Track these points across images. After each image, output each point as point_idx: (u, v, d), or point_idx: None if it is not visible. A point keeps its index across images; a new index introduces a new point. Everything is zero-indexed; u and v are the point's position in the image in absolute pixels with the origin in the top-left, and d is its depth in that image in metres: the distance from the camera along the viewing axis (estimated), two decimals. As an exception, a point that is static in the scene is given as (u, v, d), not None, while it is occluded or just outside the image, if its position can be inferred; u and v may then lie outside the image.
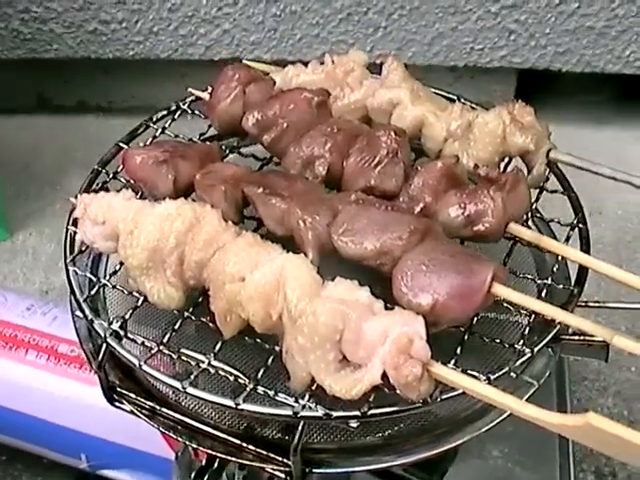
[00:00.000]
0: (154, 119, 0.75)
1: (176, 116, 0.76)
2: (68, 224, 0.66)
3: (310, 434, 0.58)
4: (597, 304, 0.66)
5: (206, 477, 0.59)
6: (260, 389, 0.54)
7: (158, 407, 0.59)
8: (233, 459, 0.57)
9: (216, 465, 0.59)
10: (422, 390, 0.51)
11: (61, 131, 1.50)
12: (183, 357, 0.56)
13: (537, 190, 0.69)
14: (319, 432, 0.59)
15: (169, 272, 0.57)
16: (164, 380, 0.55)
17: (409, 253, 0.56)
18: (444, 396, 0.53)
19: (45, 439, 0.91)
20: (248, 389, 0.54)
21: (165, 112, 0.76)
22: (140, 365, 0.55)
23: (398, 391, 0.51)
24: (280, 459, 0.56)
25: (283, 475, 0.56)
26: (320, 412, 0.52)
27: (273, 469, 0.57)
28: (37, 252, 1.28)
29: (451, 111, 0.69)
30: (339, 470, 0.57)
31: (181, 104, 0.77)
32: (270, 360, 0.55)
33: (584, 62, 1.39)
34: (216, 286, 0.56)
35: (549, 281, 0.62)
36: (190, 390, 0.54)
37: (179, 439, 0.58)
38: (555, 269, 0.63)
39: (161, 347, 0.56)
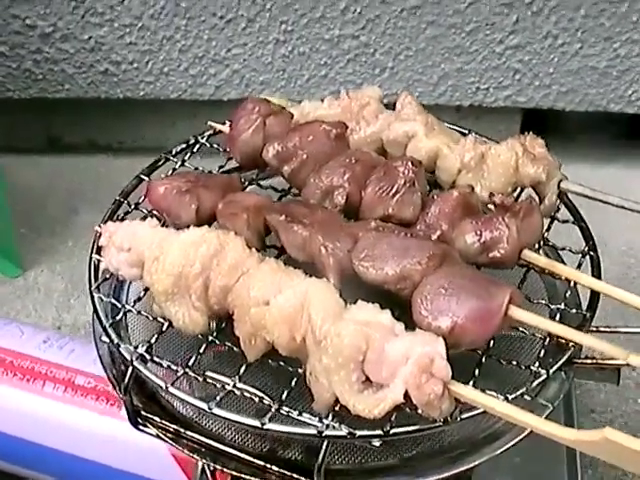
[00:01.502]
0: (173, 152, 0.77)
1: (195, 149, 0.78)
2: (92, 253, 0.67)
3: (332, 456, 0.59)
4: (608, 329, 0.67)
5: (231, 498, 0.60)
6: (284, 409, 0.55)
7: (182, 430, 0.61)
8: (257, 480, 0.59)
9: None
10: (443, 408, 0.53)
11: (71, 171, 1.52)
12: (209, 380, 0.57)
13: (548, 220, 0.71)
14: (340, 454, 0.60)
15: (194, 297, 0.59)
16: (191, 402, 0.56)
17: (428, 277, 0.58)
18: (464, 415, 0.55)
19: (61, 471, 0.91)
20: (273, 409, 0.55)
21: (184, 145, 0.78)
22: (167, 387, 0.56)
23: (420, 410, 0.53)
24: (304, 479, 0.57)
25: (307, 497, 0.58)
26: (344, 431, 0.54)
27: (298, 490, 0.58)
28: (49, 289, 1.29)
29: (464, 144, 0.71)
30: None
31: (199, 138, 0.79)
32: (294, 382, 0.57)
33: (587, 101, 1.42)
34: (241, 310, 0.58)
35: (562, 306, 0.63)
36: (216, 411, 0.55)
37: (203, 461, 0.60)
38: (567, 295, 0.65)
39: (187, 370, 0.58)
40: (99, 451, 0.90)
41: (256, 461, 0.59)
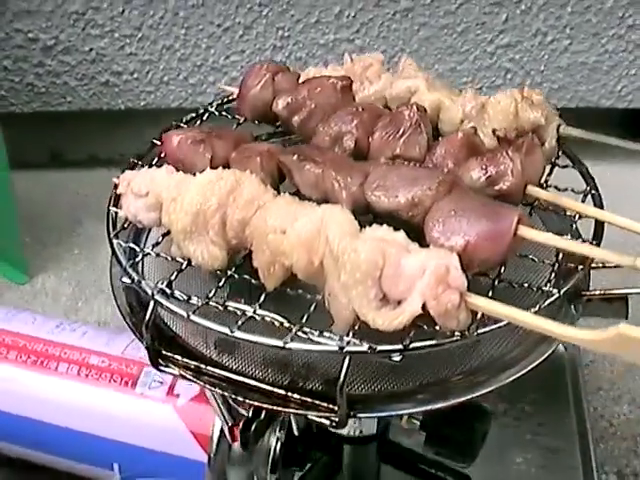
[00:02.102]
0: (184, 120, 0.79)
1: (205, 118, 0.80)
2: (109, 205, 0.69)
3: (352, 382, 0.61)
4: (613, 265, 0.69)
5: (253, 427, 0.60)
6: (306, 330, 0.56)
7: (204, 366, 0.62)
8: (279, 408, 0.60)
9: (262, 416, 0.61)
10: (461, 319, 0.54)
11: (74, 184, 1.54)
12: (229, 308, 0.58)
13: (549, 166, 0.73)
14: (360, 380, 0.61)
15: (212, 232, 0.60)
16: (213, 327, 0.57)
17: (439, 202, 0.59)
18: (480, 330, 0.56)
19: (76, 451, 0.92)
20: (294, 330, 0.56)
21: (194, 114, 0.80)
22: (189, 315, 0.58)
23: (438, 322, 0.54)
24: (325, 405, 0.58)
25: (328, 422, 0.59)
26: (365, 346, 0.55)
27: (318, 416, 0.59)
28: (56, 294, 1.31)
29: (465, 95, 0.74)
30: (383, 414, 0.60)
31: (209, 107, 0.81)
32: (312, 308, 0.58)
33: (578, 97, 1.46)
34: (259, 240, 0.59)
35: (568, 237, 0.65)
36: (238, 334, 0.56)
37: (226, 393, 0.61)
38: (572, 230, 0.67)
39: (207, 300, 0.59)
40: (115, 429, 0.90)
41: (277, 390, 0.60)
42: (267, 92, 0.72)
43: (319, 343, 0.56)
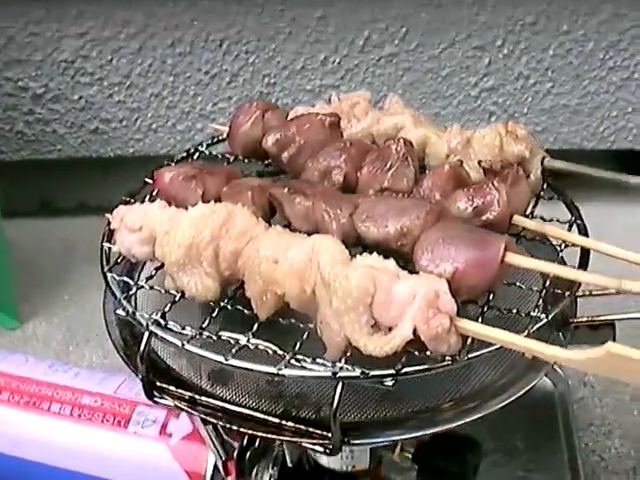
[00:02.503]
0: (175, 160, 0.81)
1: (195, 157, 0.82)
2: (103, 241, 0.70)
3: (345, 411, 0.61)
4: (601, 291, 0.70)
5: (247, 456, 0.61)
6: (299, 357, 0.57)
7: (198, 396, 0.62)
8: (273, 436, 0.60)
9: (257, 445, 0.62)
10: (451, 343, 0.55)
11: (63, 232, 1.55)
12: (223, 338, 0.59)
13: (534, 199, 0.75)
14: (353, 408, 0.62)
15: (205, 264, 0.62)
16: (207, 356, 0.58)
17: (427, 232, 0.61)
18: (471, 355, 0.57)
19: (69, 491, 0.92)
20: (287, 358, 0.57)
21: (185, 154, 0.82)
22: (183, 345, 0.59)
23: (429, 346, 0.55)
24: (319, 432, 0.59)
25: (322, 449, 0.59)
26: (357, 372, 0.56)
27: (312, 443, 0.59)
28: (47, 339, 1.31)
29: (450, 131, 0.76)
30: (377, 440, 0.60)
31: (199, 147, 0.83)
32: (305, 336, 0.59)
33: (561, 139, 1.48)
34: (251, 270, 0.60)
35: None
36: (232, 361, 0.57)
37: (220, 423, 0.61)
38: (558, 259, 0.68)
39: (200, 331, 0.60)
40: (109, 468, 0.90)
41: (271, 419, 0.60)
42: (257, 129, 0.74)
43: (312, 369, 0.57)
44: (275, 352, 0.58)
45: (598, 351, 0.51)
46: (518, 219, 0.67)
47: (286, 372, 0.56)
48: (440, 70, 1.42)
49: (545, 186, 0.76)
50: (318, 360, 0.57)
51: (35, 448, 0.92)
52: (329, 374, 0.56)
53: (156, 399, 0.64)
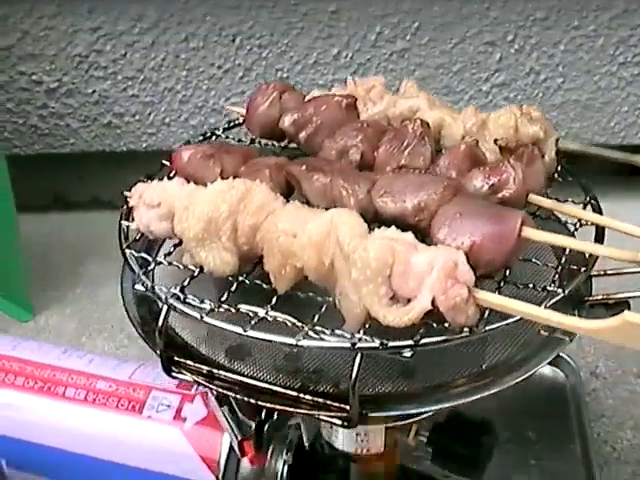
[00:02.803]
0: (191, 142, 0.81)
1: (212, 140, 0.82)
2: (121, 220, 0.70)
3: (362, 385, 0.61)
4: (614, 271, 0.70)
5: (266, 428, 0.61)
6: (317, 329, 0.57)
7: (216, 370, 0.63)
8: (291, 409, 0.60)
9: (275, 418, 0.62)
10: (470, 313, 0.55)
11: (76, 227, 1.56)
12: (242, 310, 0.60)
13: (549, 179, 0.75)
14: (371, 382, 0.62)
15: (224, 238, 0.62)
16: (226, 327, 0.58)
17: (444, 206, 0.61)
18: (489, 327, 0.57)
19: (84, 476, 0.92)
20: (306, 329, 0.57)
21: (201, 137, 0.82)
22: (202, 317, 0.59)
23: (447, 317, 0.55)
24: (337, 404, 0.59)
25: (340, 422, 0.59)
26: (376, 342, 0.56)
27: (330, 416, 0.60)
28: (60, 331, 1.31)
29: (466, 112, 0.76)
30: (394, 413, 0.61)
31: (216, 131, 0.83)
32: (324, 309, 0.59)
33: (572, 135, 1.49)
34: (269, 244, 0.61)
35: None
36: (251, 333, 0.57)
37: (238, 396, 0.62)
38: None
39: (219, 304, 0.60)
40: (123, 452, 0.90)
41: (289, 392, 0.61)
42: (274, 109, 0.74)
43: (331, 341, 0.57)
44: (294, 324, 0.58)
45: (614, 320, 0.52)
46: (534, 198, 0.67)
47: (304, 343, 0.57)
48: (452, 65, 1.43)
49: (559, 168, 0.76)
50: (337, 332, 0.57)
51: (50, 433, 0.92)
52: (348, 345, 0.56)
53: (174, 374, 0.64)
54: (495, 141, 0.68)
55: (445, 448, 0.81)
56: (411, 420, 0.73)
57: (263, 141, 0.81)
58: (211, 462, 0.88)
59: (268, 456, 0.81)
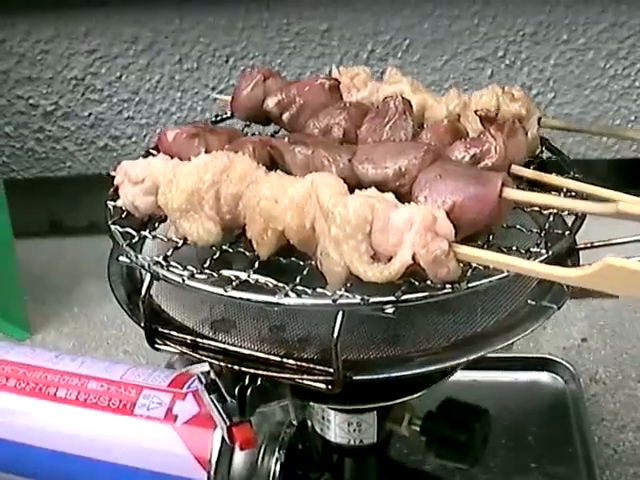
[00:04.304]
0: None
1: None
2: (107, 201, 0.71)
3: (347, 351, 0.61)
4: (603, 242, 0.70)
5: (249, 392, 0.61)
6: (299, 288, 0.57)
7: (200, 339, 0.63)
8: (275, 374, 0.60)
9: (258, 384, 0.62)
10: (451, 267, 0.55)
11: (73, 251, 1.56)
12: (224, 275, 0.60)
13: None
14: (355, 349, 0.62)
15: (207, 208, 0.62)
16: (207, 289, 0.58)
17: (425, 170, 0.62)
18: (472, 284, 0.57)
19: (74, 476, 0.91)
20: (288, 288, 0.57)
21: (188, 130, 0.83)
22: (184, 280, 0.59)
23: (428, 272, 0.55)
24: (321, 367, 0.59)
25: (324, 386, 0.59)
26: (357, 299, 0.56)
27: (314, 380, 0.59)
28: (57, 348, 1.31)
29: (448, 95, 0.77)
30: (379, 376, 0.60)
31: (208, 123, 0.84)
32: (305, 272, 0.59)
33: (565, 149, 1.48)
34: (252, 211, 0.61)
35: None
36: (232, 293, 0.57)
37: (222, 363, 0.61)
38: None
39: (202, 270, 0.60)
40: (114, 451, 0.89)
41: (272, 357, 0.60)
42: (259, 91, 0.75)
43: (312, 298, 0.57)
44: (275, 286, 0.58)
45: (596, 265, 0.51)
46: (516, 168, 0.68)
47: (285, 301, 0.57)
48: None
49: (543, 149, 0.77)
50: (318, 290, 0.57)
51: (41, 435, 0.91)
52: (329, 302, 0.56)
53: (158, 346, 0.64)
54: (475, 111, 0.69)
55: (439, 436, 0.81)
56: (401, 399, 0.72)
57: (250, 132, 0.82)
58: (203, 459, 0.87)
59: (260, 455, 0.80)
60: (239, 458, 0.84)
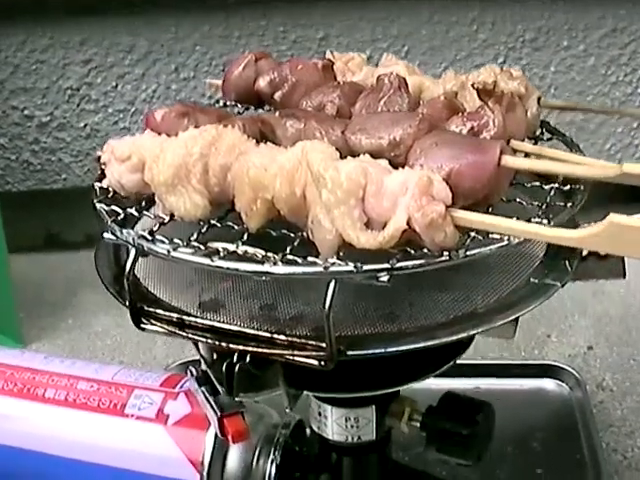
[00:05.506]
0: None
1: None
2: (94, 182, 0.69)
3: (340, 327, 0.58)
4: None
5: (237, 368, 0.58)
6: (289, 258, 0.55)
7: (186, 317, 0.60)
8: (265, 350, 0.57)
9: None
10: (448, 232, 0.53)
11: (70, 264, 1.54)
12: (211, 246, 0.57)
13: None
14: (349, 326, 0.59)
15: (194, 181, 0.60)
16: (194, 260, 0.56)
17: (420, 139, 0.59)
18: (469, 252, 0.55)
19: (63, 479, 0.88)
20: (278, 258, 0.55)
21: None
22: (169, 252, 0.57)
23: (424, 237, 0.53)
24: (313, 343, 0.56)
25: (316, 362, 0.56)
26: (350, 266, 0.53)
27: (306, 356, 0.56)
28: (49, 358, 1.28)
29: (445, 76, 0.75)
30: (373, 351, 0.57)
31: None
32: (296, 243, 0.57)
33: (566, 158, 1.47)
34: (240, 182, 0.59)
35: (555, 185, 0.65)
36: (219, 262, 0.55)
37: (209, 341, 0.59)
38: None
39: (189, 242, 0.58)
40: (105, 453, 0.86)
41: (263, 334, 0.58)
42: (250, 71, 0.74)
43: (303, 267, 0.54)
44: (264, 256, 0.55)
45: (601, 224, 0.49)
46: (516, 143, 0.65)
47: (275, 270, 0.54)
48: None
49: (543, 131, 0.75)
50: (309, 259, 0.54)
51: (29, 436, 0.88)
52: (321, 270, 0.53)
53: (144, 326, 0.61)
54: (472, 85, 0.67)
55: (440, 430, 0.77)
56: (400, 386, 0.69)
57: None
58: (195, 460, 0.84)
59: (255, 456, 0.77)
60: (233, 459, 0.81)
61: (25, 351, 0.96)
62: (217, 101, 0.83)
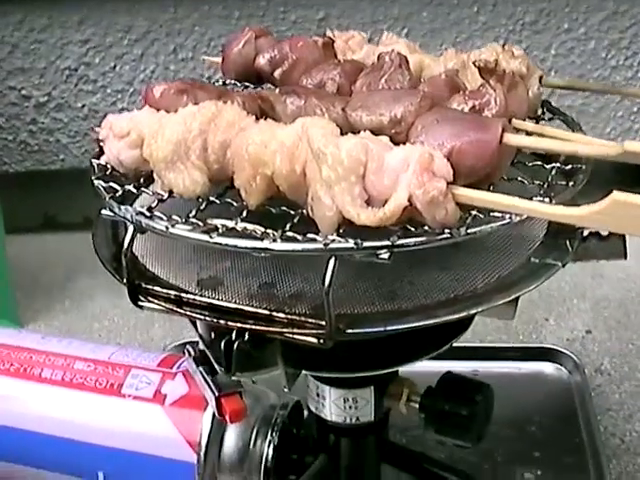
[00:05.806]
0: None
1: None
2: (91, 159, 0.68)
3: (339, 306, 0.58)
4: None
5: (235, 346, 0.57)
6: (289, 234, 0.54)
7: (185, 294, 0.60)
8: (264, 328, 0.57)
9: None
10: (449, 209, 0.52)
11: (68, 246, 1.53)
12: (210, 223, 0.57)
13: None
14: (349, 305, 0.59)
15: (193, 157, 0.59)
16: (192, 237, 0.55)
17: (422, 116, 0.59)
18: (470, 230, 0.54)
19: (59, 461, 0.87)
20: (277, 234, 0.54)
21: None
22: (168, 228, 0.56)
23: (425, 214, 0.52)
24: (312, 321, 0.56)
25: (315, 340, 0.56)
26: (350, 243, 0.53)
27: (305, 334, 0.56)
28: (46, 338, 1.28)
29: (446, 54, 0.74)
30: (372, 330, 0.57)
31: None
32: (296, 220, 0.56)
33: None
34: (240, 158, 0.58)
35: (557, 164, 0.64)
36: (218, 239, 0.54)
37: (207, 319, 0.58)
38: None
39: (187, 218, 0.57)
40: (101, 433, 0.86)
41: (262, 311, 0.57)
42: (250, 49, 0.73)
43: (303, 243, 0.54)
44: (264, 232, 0.55)
45: (603, 202, 0.49)
46: (517, 122, 0.65)
47: (274, 246, 0.54)
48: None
49: (545, 110, 0.74)
50: (309, 235, 0.54)
51: (26, 416, 0.88)
52: (320, 246, 0.53)
53: (141, 303, 0.61)
54: (474, 63, 0.66)
55: (439, 411, 0.77)
56: (400, 365, 0.69)
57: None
58: (193, 441, 0.83)
59: (252, 437, 0.77)
60: (230, 440, 0.80)
61: (22, 331, 0.96)
62: (216, 81, 0.82)
